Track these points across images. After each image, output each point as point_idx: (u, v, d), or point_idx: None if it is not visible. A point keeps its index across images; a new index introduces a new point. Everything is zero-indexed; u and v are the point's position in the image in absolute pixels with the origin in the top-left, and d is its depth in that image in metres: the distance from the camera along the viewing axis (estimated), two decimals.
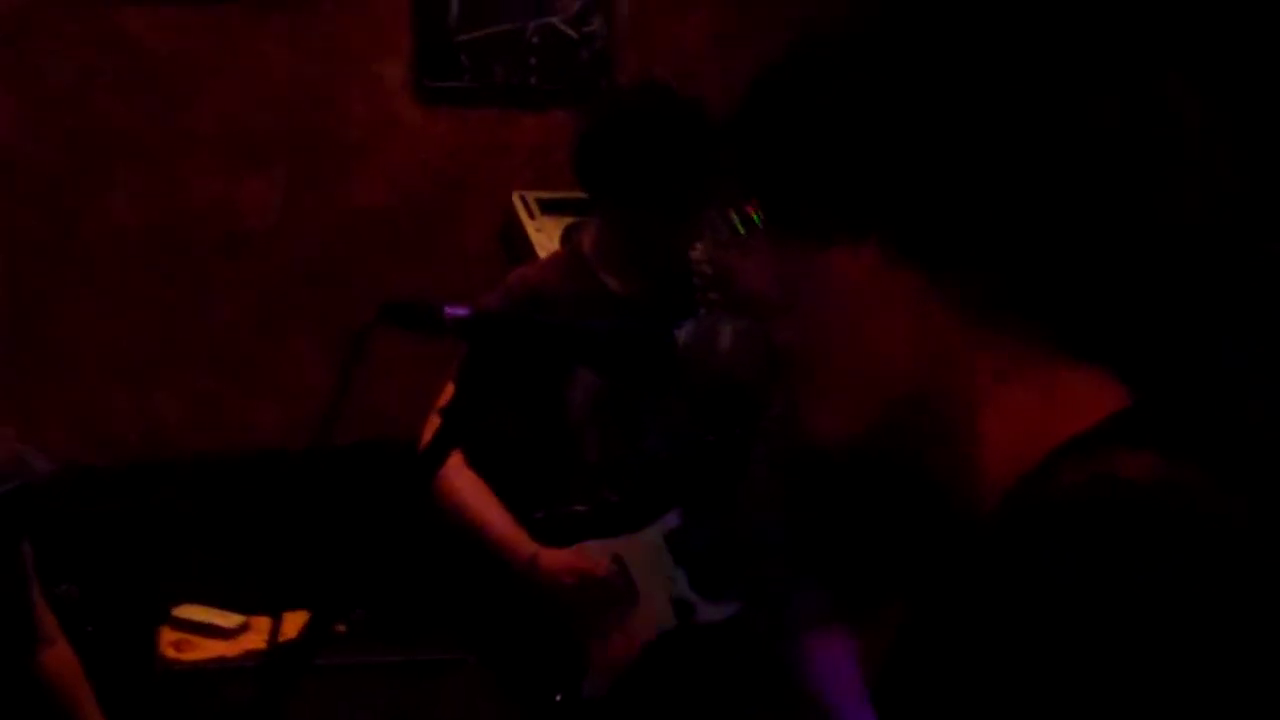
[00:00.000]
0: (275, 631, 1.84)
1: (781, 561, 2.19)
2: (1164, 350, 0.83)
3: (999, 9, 0.83)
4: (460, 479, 2.61)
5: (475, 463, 2.65)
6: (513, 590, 2.60)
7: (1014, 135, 0.80)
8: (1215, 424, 0.82)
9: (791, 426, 0.91)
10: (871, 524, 1.82)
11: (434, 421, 2.67)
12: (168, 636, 3.13)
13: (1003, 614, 0.71)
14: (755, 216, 0.91)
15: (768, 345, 0.92)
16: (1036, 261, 0.80)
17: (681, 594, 2.60)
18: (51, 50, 3.61)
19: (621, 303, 2.61)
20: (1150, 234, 0.80)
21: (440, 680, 2.99)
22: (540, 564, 2.55)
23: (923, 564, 1.28)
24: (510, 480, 2.68)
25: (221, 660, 3.05)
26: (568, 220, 3.72)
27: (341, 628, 2.98)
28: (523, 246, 3.79)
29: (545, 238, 3.74)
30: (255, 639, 3.09)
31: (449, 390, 2.64)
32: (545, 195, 3.88)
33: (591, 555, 2.58)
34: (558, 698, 2.56)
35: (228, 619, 3.15)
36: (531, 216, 3.85)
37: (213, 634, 3.12)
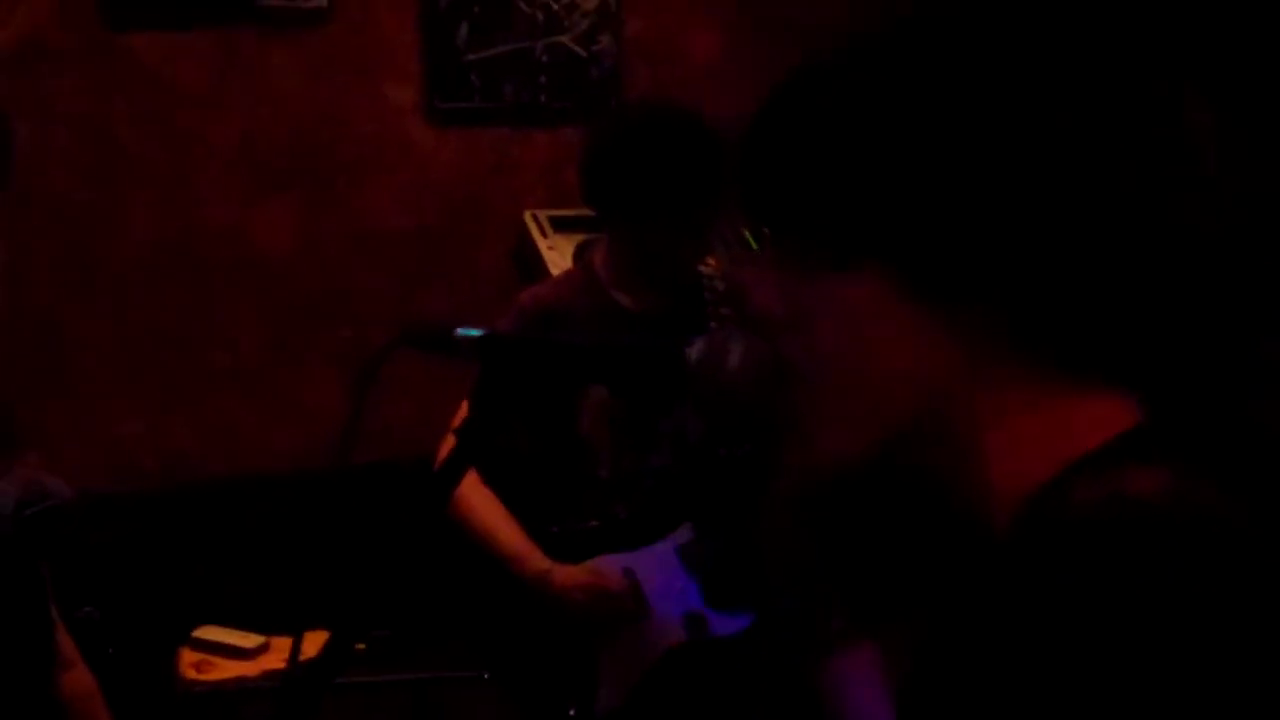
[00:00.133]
0: (296, 650, 1.84)
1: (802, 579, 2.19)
2: (1179, 367, 0.82)
3: (1006, 35, 0.83)
4: (474, 495, 2.63)
5: (488, 478, 2.66)
6: (526, 605, 2.61)
7: (1022, 165, 0.79)
8: (1229, 439, 0.81)
9: (799, 443, 0.92)
10: (885, 540, 1.82)
11: (450, 441, 2.69)
12: (188, 657, 3.13)
13: (1020, 635, 0.71)
14: (766, 232, 0.91)
15: (778, 362, 0.92)
16: (1046, 290, 0.80)
17: (693, 608, 2.61)
18: (66, 77, 3.63)
19: (634, 319, 2.62)
20: (1166, 256, 0.80)
21: (455, 696, 3.00)
22: (554, 580, 2.56)
23: (940, 581, 1.28)
24: (523, 496, 2.70)
25: (241, 680, 3.06)
26: (580, 238, 3.73)
27: (361, 646, 2.99)
28: (536, 265, 3.80)
29: (558, 255, 3.75)
30: (275, 659, 3.10)
31: (464, 409, 2.65)
32: (557, 213, 3.89)
33: (604, 570, 2.59)
34: (571, 712, 2.56)
35: (248, 639, 3.16)
36: (544, 234, 3.86)
37: (233, 654, 3.13)
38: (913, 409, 0.85)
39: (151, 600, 3.47)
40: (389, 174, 3.96)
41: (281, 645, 3.14)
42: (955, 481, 0.86)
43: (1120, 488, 0.75)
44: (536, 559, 2.60)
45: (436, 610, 2.93)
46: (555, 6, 4.02)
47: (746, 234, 0.92)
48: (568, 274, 2.90)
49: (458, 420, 2.68)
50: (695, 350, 1.22)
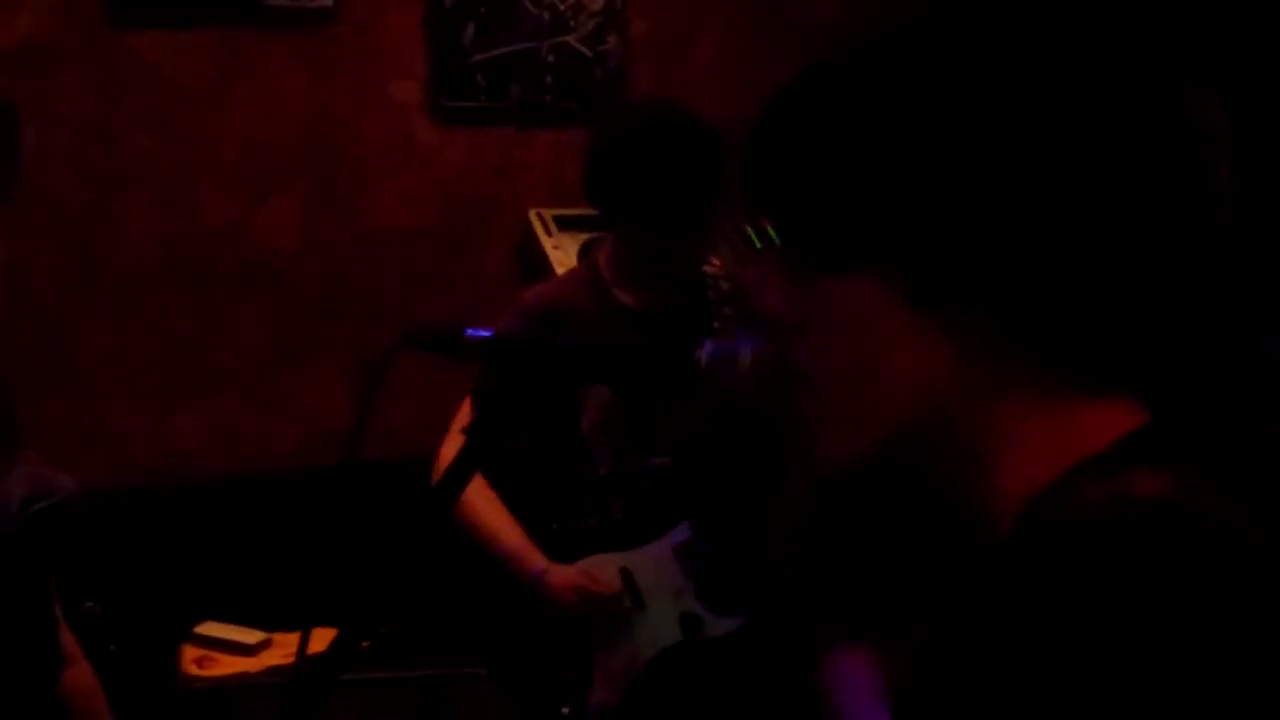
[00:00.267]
0: (303, 647, 1.85)
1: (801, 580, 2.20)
2: (1181, 369, 0.82)
3: (1010, 38, 0.83)
4: (475, 494, 2.63)
5: (489, 476, 2.67)
6: (522, 604, 2.62)
7: (1025, 168, 0.79)
8: (1231, 440, 0.82)
9: (803, 445, 0.92)
10: (887, 542, 1.82)
11: (452, 439, 2.70)
12: (190, 653, 3.13)
13: (1022, 636, 0.71)
14: (771, 231, 0.91)
15: (782, 363, 0.93)
16: (1048, 293, 0.80)
17: (690, 607, 2.62)
18: (69, 77, 3.63)
19: (638, 318, 2.62)
20: (1169, 258, 0.80)
21: (452, 694, 3.00)
22: (547, 580, 2.57)
23: (942, 583, 1.28)
24: (523, 493, 2.70)
25: (243, 676, 3.06)
26: (585, 237, 3.74)
27: (365, 643, 2.99)
28: (541, 264, 3.80)
29: (563, 255, 3.75)
30: (277, 655, 3.10)
31: (465, 409, 2.66)
32: (562, 212, 3.89)
33: (597, 571, 2.60)
34: (565, 710, 2.57)
35: (250, 635, 3.16)
36: (549, 234, 3.86)
37: (235, 650, 3.13)
38: (915, 412, 0.85)
39: (153, 596, 3.48)
40: (393, 174, 3.96)
41: (283, 641, 3.14)
42: (957, 484, 0.86)
43: (1123, 490, 0.75)
44: (535, 560, 2.61)
45: (438, 608, 2.94)
46: (561, 7, 4.02)
47: (750, 233, 0.92)
48: (572, 273, 2.90)
49: (460, 420, 2.70)
50: (706, 352, 1.22)
